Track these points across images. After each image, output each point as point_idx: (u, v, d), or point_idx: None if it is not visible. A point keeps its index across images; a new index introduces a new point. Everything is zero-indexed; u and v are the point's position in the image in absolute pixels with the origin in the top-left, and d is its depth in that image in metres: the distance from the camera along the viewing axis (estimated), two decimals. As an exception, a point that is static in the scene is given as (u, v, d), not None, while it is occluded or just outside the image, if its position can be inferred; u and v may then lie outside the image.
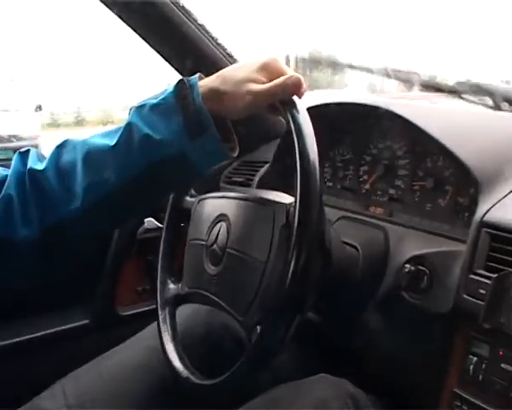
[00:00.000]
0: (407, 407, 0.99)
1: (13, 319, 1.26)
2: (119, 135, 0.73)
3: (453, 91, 1.13)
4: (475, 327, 0.78)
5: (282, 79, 0.72)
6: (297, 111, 0.70)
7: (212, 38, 1.32)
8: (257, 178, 1.33)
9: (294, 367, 1.12)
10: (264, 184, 1.29)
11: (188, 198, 1.01)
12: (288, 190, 0.77)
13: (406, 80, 1.23)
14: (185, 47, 1.29)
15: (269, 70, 0.73)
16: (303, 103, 0.72)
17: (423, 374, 0.93)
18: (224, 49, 1.35)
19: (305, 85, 0.75)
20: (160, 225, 1.40)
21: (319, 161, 0.67)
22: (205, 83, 0.74)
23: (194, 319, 1.09)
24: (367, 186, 1.14)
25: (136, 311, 1.46)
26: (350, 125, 1.19)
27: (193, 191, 1.04)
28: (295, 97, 0.72)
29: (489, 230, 0.79)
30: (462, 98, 1.12)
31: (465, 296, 0.79)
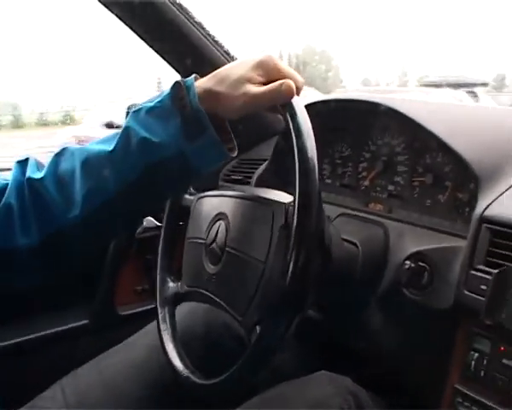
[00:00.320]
0: (408, 405, 0.99)
1: (13, 320, 1.26)
2: (116, 140, 0.73)
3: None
4: (476, 323, 0.78)
5: (277, 84, 0.71)
6: (296, 109, 0.70)
7: (210, 35, 1.32)
8: (255, 177, 1.33)
9: (295, 365, 1.12)
10: (262, 182, 1.29)
11: (187, 196, 1.02)
12: (287, 187, 0.77)
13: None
14: (183, 45, 1.29)
15: (265, 68, 0.73)
16: (301, 101, 0.72)
17: (424, 371, 0.93)
18: (222, 47, 1.35)
19: (302, 80, 0.75)
20: (158, 224, 1.40)
21: (318, 159, 0.67)
22: (201, 83, 0.73)
23: (194, 317, 1.09)
24: (366, 183, 1.14)
25: (135, 310, 1.46)
26: (348, 121, 1.18)
27: (192, 189, 1.04)
28: (295, 96, 0.72)
29: (489, 225, 0.78)
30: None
31: (466, 292, 0.79)
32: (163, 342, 0.90)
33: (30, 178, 0.74)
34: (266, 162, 1.33)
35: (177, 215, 1.02)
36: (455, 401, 0.82)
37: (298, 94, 0.74)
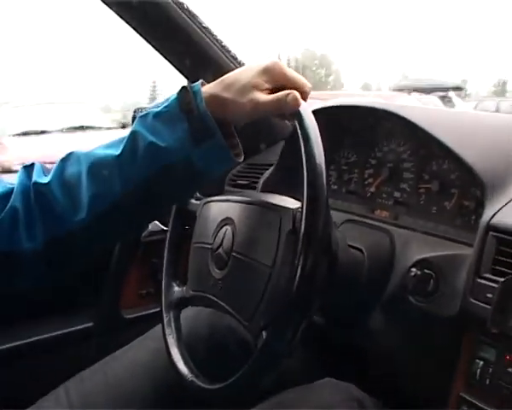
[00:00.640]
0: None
1: (17, 323, 1.26)
2: (123, 144, 0.73)
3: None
4: (482, 331, 0.78)
5: (283, 94, 0.71)
6: (303, 116, 0.70)
7: (217, 40, 1.32)
8: (261, 181, 1.33)
9: (300, 371, 1.12)
10: (268, 187, 1.28)
11: (193, 201, 1.02)
12: (293, 192, 0.77)
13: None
14: (190, 50, 1.29)
15: (271, 74, 0.73)
16: (309, 107, 0.72)
17: (429, 378, 0.92)
18: (229, 52, 1.35)
19: (309, 85, 0.75)
20: (164, 227, 1.40)
21: (324, 165, 0.67)
22: (207, 89, 0.74)
23: (199, 321, 1.09)
24: (372, 189, 1.14)
25: (140, 314, 1.46)
26: (355, 127, 1.18)
27: (198, 194, 1.05)
28: (302, 102, 0.72)
29: (496, 233, 0.78)
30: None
31: (472, 300, 0.79)
32: (168, 346, 0.90)
33: (36, 183, 0.75)
34: (272, 167, 1.33)
35: (183, 220, 1.03)
36: (460, 409, 0.82)
37: (305, 99, 0.74)
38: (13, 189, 0.75)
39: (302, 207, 0.66)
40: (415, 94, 8.84)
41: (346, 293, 0.94)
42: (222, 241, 0.83)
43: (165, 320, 0.93)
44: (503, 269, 0.76)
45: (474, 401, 0.80)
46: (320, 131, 0.69)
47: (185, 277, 0.95)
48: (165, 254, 1.02)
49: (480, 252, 0.79)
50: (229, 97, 0.72)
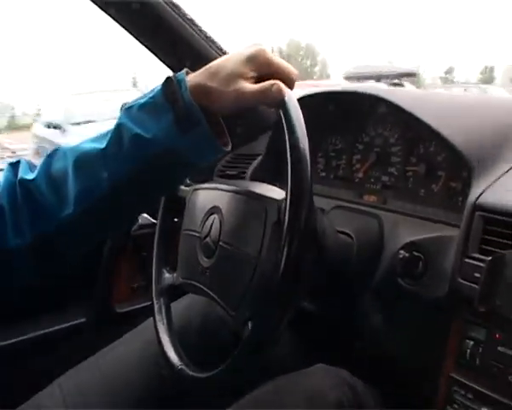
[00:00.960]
0: (404, 394, 0.99)
1: (10, 320, 1.26)
2: (109, 137, 0.73)
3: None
4: (471, 311, 0.78)
5: (267, 84, 0.70)
6: (288, 105, 0.69)
7: (202, 31, 1.31)
8: (250, 171, 1.33)
9: (291, 358, 1.12)
10: (257, 177, 1.28)
11: (182, 187, 1.01)
12: (281, 182, 0.76)
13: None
14: (175, 42, 1.28)
15: (256, 62, 0.72)
16: (294, 95, 0.72)
17: (420, 360, 0.93)
18: (214, 43, 1.34)
19: (295, 72, 0.75)
20: (154, 220, 1.40)
21: (312, 152, 0.67)
22: (192, 77, 0.73)
23: (191, 312, 1.09)
24: (360, 175, 1.14)
25: (132, 307, 1.46)
26: (341, 114, 1.18)
27: (187, 180, 1.04)
28: (287, 91, 0.71)
29: (482, 213, 0.79)
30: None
31: (460, 281, 0.79)
32: (158, 334, 0.90)
33: (22, 179, 0.74)
34: (260, 157, 1.33)
35: (172, 206, 1.02)
36: (451, 390, 0.82)
37: (291, 87, 0.74)
38: None
39: (286, 199, 0.66)
40: (366, 82, 8.74)
41: (335, 278, 0.94)
42: (210, 230, 0.83)
43: (156, 307, 0.93)
44: (490, 248, 0.76)
45: (464, 382, 0.81)
46: (306, 119, 0.68)
47: (175, 264, 0.95)
48: (156, 241, 1.02)
49: (467, 232, 0.80)
50: (214, 87, 0.71)
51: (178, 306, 1.09)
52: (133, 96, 0.78)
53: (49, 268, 0.80)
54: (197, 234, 0.87)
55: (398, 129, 1.06)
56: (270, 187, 0.82)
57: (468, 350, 0.79)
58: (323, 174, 1.23)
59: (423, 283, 0.87)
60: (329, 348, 1.12)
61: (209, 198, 0.88)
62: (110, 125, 0.74)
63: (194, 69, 0.75)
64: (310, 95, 1.15)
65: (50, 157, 0.77)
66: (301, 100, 1.10)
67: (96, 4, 1.15)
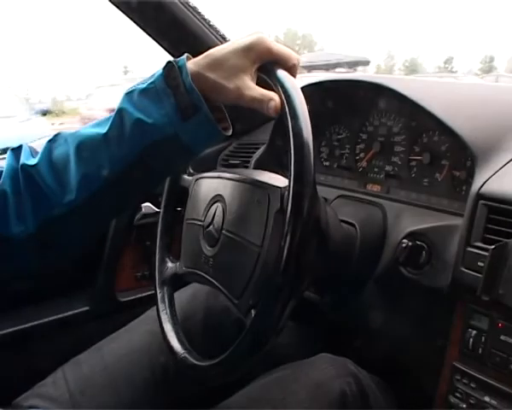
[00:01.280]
0: (407, 383, 0.99)
1: (14, 308, 1.26)
2: (110, 123, 0.72)
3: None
4: (474, 300, 0.78)
5: (266, 97, 0.71)
6: (291, 92, 0.69)
7: (205, 19, 1.31)
8: (253, 160, 1.33)
9: (295, 347, 1.13)
10: (260, 167, 1.28)
11: (185, 176, 1.01)
12: (284, 170, 0.76)
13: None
14: (179, 30, 1.27)
15: (257, 51, 0.71)
16: (297, 83, 0.71)
17: (423, 349, 0.93)
18: (217, 31, 1.34)
19: (297, 57, 0.74)
20: (157, 210, 1.39)
21: (315, 141, 0.66)
22: (192, 64, 0.72)
23: (194, 301, 1.09)
24: (363, 164, 1.14)
25: (135, 296, 1.46)
26: (345, 103, 1.18)
27: (191, 170, 1.04)
28: (289, 77, 0.71)
29: (486, 202, 0.78)
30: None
31: (463, 270, 0.79)
32: (161, 323, 0.90)
33: (24, 165, 0.74)
34: (264, 146, 1.33)
35: (175, 195, 1.02)
36: (453, 379, 0.83)
37: (294, 74, 0.73)
38: (1, 172, 0.75)
39: (289, 187, 0.65)
40: (315, 72, 8.63)
41: (339, 268, 0.94)
42: (213, 218, 0.83)
43: (159, 296, 0.93)
44: (493, 237, 0.76)
45: (467, 370, 0.81)
46: (309, 108, 0.68)
47: (179, 253, 0.95)
48: (159, 231, 1.01)
49: (471, 221, 0.79)
50: (215, 79, 0.71)
51: (182, 295, 1.09)
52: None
53: (52, 255, 0.79)
54: (200, 223, 0.87)
55: (402, 118, 1.06)
56: (273, 175, 0.82)
57: (471, 339, 0.79)
58: (327, 164, 1.23)
59: (426, 272, 0.86)
60: (333, 338, 1.12)
61: (212, 187, 0.88)
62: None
63: (194, 55, 0.75)
64: (314, 83, 1.15)
65: (51, 142, 0.76)
66: (305, 88, 1.10)
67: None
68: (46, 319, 1.30)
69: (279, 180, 0.77)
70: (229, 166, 1.42)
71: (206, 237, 0.84)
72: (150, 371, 0.98)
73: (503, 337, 0.76)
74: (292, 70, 0.73)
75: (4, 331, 1.23)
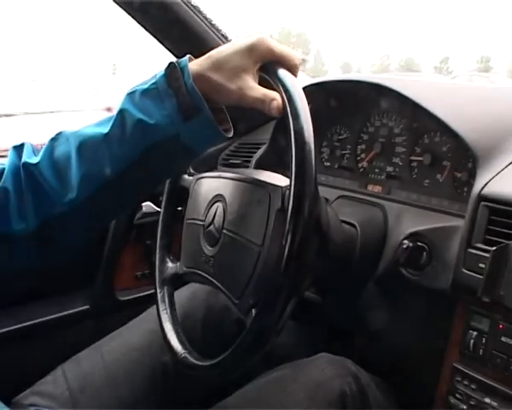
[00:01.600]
0: (407, 384, 0.99)
1: (13, 306, 1.26)
2: (111, 123, 0.72)
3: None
4: (475, 301, 0.78)
5: (268, 98, 0.71)
6: (293, 92, 0.68)
7: (207, 19, 1.30)
8: (254, 160, 1.33)
9: (296, 348, 1.13)
10: (261, 166, 1.28)
11: (186, 176, 1.01)
12: (286, 170, 0.76)
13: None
14: (180, 29, 1.27)
15: (258, 52, 0.72)
16: (299, 83, 0.71)
17: (424, 350, 0.93)
18: (219, 31, 1.33)
19: (298, 57, 0.74)
20: (157, 209, 1.39)
21: (316, 141, 0.66)
22: (195, 65, 0.72)
23: (194, 301, 1.09)
24: (364, 164, 1.14)
25: (135, 296, 1.46)
26: (346, 103, 1.18)
27: (191, 170, 1.04)
28: (291, 76, 0.71)
29: (487, 203, 0.78)
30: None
31: (464, 271, 0.79)
32: (161, 322, 0.90)
33: (26, 163, 0.74)
34: (265, 146, 1.33)
35: (176, 195, 1.02)
36: (453, 380, 0.83)
37: (295, 73, 0.73)
38: (3, 170, 0.75)
39: (290, 186, 0.65)
40: None
41: (339, 268, 0.94)
42: (213, 218, 0.83)
43: (159, 296, 0.93)
44: (494, 238, 0.76)
45: (467, 372, 0.81)
46: (311, 108, 0.68)
47: (179, 253, 0.95)
48: (159, 231, 1.01)
49: (472, 222, 0.79)
50: (217, 80, 0.71)
51: (182, 295, 1.09)
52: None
53: (52, 253, 0.79)
54: (201, 222, 0.87)
55: (404, 119, 1.06)
56: (274, 174, 0.82)
57: (472, 340, 0.79)
58: (328, 164, 1.23)
59: (427, 273, 0.86)
60: (333, 338, 1.12)
61: (212, 186, 0.88)
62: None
63: (196, 56, 0.75)
64: (315, 83, 1.14)
65: (53, 141, 0.76)
66: (307, 88, 1.10)
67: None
68: (46, 318, 1.30)
69: (280, 180, 0.77)
70: (229, 166, 1.42)
71: (206, 237, 0.84)
72: (150, 369, 0.98)
73: (503, 339, 0.76)
74: (293, 70, 0.73)
75: (4, 330, 1.23)
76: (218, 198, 0.84)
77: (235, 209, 0.81)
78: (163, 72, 0.72)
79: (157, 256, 0.98)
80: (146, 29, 1.27)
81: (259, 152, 1.34)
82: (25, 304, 1.29)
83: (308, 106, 0.68)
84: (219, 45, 0.75)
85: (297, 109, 0.67)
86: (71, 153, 0.73)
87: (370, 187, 1.10)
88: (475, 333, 0.79)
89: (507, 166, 0.82)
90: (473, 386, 0.80)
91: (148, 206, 1.41)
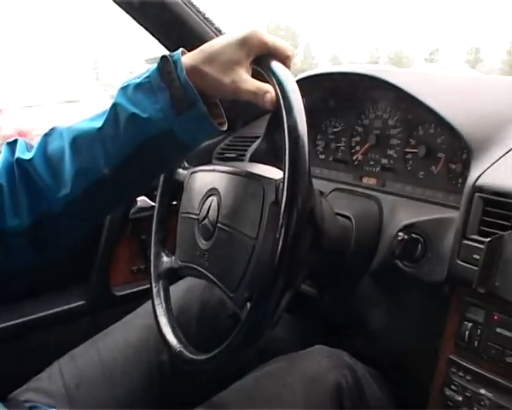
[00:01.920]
0: (403, 376, 0.99)
1: (9, 303, 1.26)
2: (105, 117, 0.72)
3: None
4: (470, 293, 0.78)
5: (262, 90, 0.71)
6: (286, 86, 0.68)
7: (200, 12, 1.30)
8: (249, 154, 1.33)
9: (291, 340, 1.13)
10: (256, 160, 1.28)
11: (180, 170, 1.01)
12: (280, 163, 0.76)
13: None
14: (173, 23, 1.27)
15: (251, 45, 0.71)
16: (293, 76, 0.71)
17: (419, 342, 0.93)
18: (213, 25, 1.33)
19: (291, 49, 0.74)
20: (152, 203, 1.39)
21: (310, 134, 0.66)
22: (188, 59, 0.72)
23: (189, 295, 1.09)
24: (359, 157, 1.14)
25: (131, 290, 1.46)
26: (341, 95, 1.18)
27: (186, 164, 1.04)
28: (284, 69, 0.71)
29: (482, 194, 0.78)
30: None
31: (459, 262, 0.79)
32: (157, 317, 0.90)
33: (19, 159, 0.74)
34: (259, 139, 1.33)
35: (170, 189, 1.02)
36: (449, 372, 0.83)
37: (288, 65, 0.73)
38: None
39: (283, 179, 0.65)
40: None
41: (334, 261, 0.94)
42: (208, 212, 0.83)
43: (155, 290, 0.93)
44: (489, 230, 0.76)
45: (462, 363, 0.81)
46: (305, 100, 0.68)
47: (174, 247, 0.95)
48: (154, 225, 1.01)
49: (467, 214, 0.79)
50: (210, 73, 0.71)
51: (177, 289, 1.09)
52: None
53: (47, 249, 0.79)
54: (195, 216, 0.87)
55: (398, 111, 1.06)
56: (268, 167, 0.82)
57: (467, 332, 0.79)
58: (322, 157, 1.23)
59: (422, 265, 0.86)
60: (329, 331, 1.12)
61: (207, 180, 0.88)
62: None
63: (189, 49, 0.74)
64: (309, 76, 1.14)
65: (47, 136, 0.76)
66: (300, 81, 1.09)
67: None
68: (41, 314, 1.30)
69: (274, 173, 0.77)
70: (224, 160, 1.42)
71: (201, 231, 0.84)
72: (146, 365, 0.98)
73: (498, 330, 0.76)
74: (286, 62, 0.73)
75: (0, 326, 1.22)
76: (213, 192, 0.84)
77: (230, 203, 0.81)
78: (156, 65, 0.72)
79: (152, 251, 0.98)
80: (139, 23, 1.26)
81: (254, 146, 1.33)
82: (20, 300, 1.29)
83: (302, 99, 0.67)
84: (212, 38, 0.75)
85: (290, 102, 0.66)
86: (64, 148, 0.73)
87: (365, 179, 1.10)
88: (470, 324, 0.79)
89: (501, 158, 0.82)
90: (468, 377, 0.80)
91: (143, 200, 1.41)
